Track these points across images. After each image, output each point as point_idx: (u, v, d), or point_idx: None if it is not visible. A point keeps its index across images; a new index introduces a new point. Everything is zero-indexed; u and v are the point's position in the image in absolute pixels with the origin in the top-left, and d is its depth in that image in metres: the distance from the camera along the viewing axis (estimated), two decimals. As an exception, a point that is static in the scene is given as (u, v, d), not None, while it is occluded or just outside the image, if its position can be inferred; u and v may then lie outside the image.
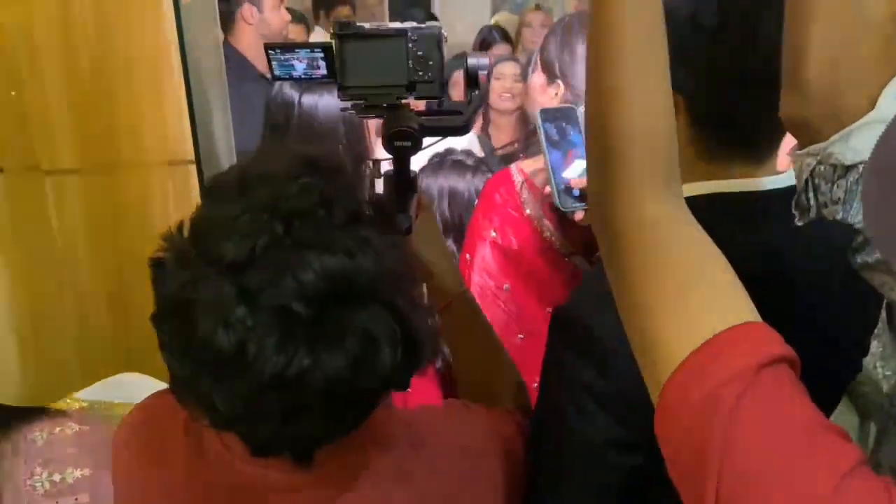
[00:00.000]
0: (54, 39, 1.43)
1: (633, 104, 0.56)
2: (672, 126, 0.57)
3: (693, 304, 0.49)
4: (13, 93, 1.48)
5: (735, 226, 0.65)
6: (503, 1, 7.72)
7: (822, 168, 0.57)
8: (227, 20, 2.15)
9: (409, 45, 0.82)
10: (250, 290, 0.51)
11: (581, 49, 1.16)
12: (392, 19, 7.23)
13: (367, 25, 0.83)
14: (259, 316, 0.51)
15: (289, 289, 0.51)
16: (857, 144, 0.55)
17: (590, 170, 0.59)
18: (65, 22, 1.42)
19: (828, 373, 0.57)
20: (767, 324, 0.48)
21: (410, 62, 0.82)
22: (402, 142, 0.80)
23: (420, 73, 0.82)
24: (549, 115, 1.04)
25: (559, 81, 1.16)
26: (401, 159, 0.84)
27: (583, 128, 1.00)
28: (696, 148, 0.71)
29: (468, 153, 1.61)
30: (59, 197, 1.53)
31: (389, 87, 0.82)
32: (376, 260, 0.54)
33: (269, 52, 0.86)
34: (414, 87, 0.82)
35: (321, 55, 0.84)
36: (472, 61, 0.85)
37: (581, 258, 1.16)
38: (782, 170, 0.74)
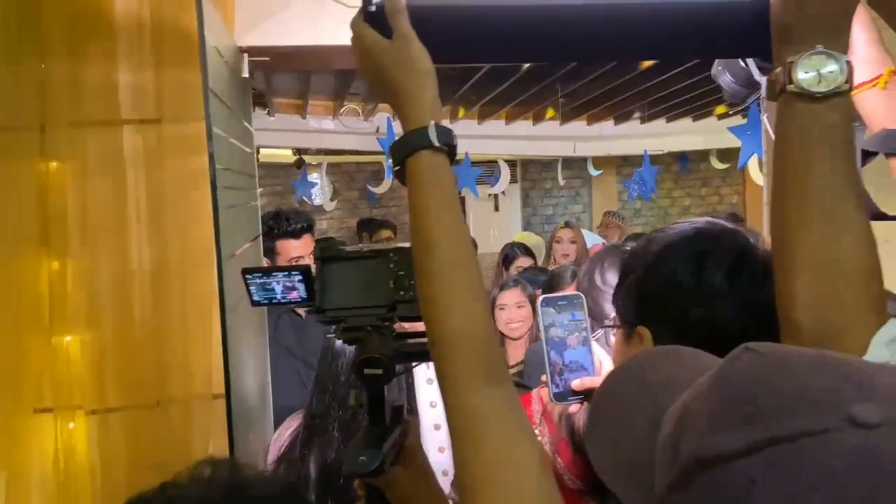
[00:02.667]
0: (113, 286, 1.54)
1: (449, 311, 0.64)
2: (487, 325, 0.65)
3: (501, 489, 0.57)
4: (68, 337, 1.58)
5: None
6: (533, 214, 8.15)
7: None
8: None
9: (391, 265, 0.81)
10: None
11: (610, 276, 1.21)
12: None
13: (348, 247, 0.85)
14: None
15: None
16: None
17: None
18: (124, 270, 1.54)
19: None
20: None
21: (392, 282, 0.81)
22: (373, 369, 0.77)
23: (402, 293, 0.80)
24: (550, 302, 1.02)
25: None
26: (372, 388, 0.80)
27: (585, 314, 1.01)
28: None
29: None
30: (101, 436, 1.56)
31: (370, 308, 0.81)
32: None
33: (247, 277, 0.86)
34: (395, 307, 0.81)
35: (299, 278, 0.84)
36: None
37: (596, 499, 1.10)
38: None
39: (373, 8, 0.74)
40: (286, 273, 0.85)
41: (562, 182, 6.95)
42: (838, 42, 0.66)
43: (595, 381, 1.01)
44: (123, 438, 1.58)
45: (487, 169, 6.14)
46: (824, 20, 0.66)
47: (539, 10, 0.76)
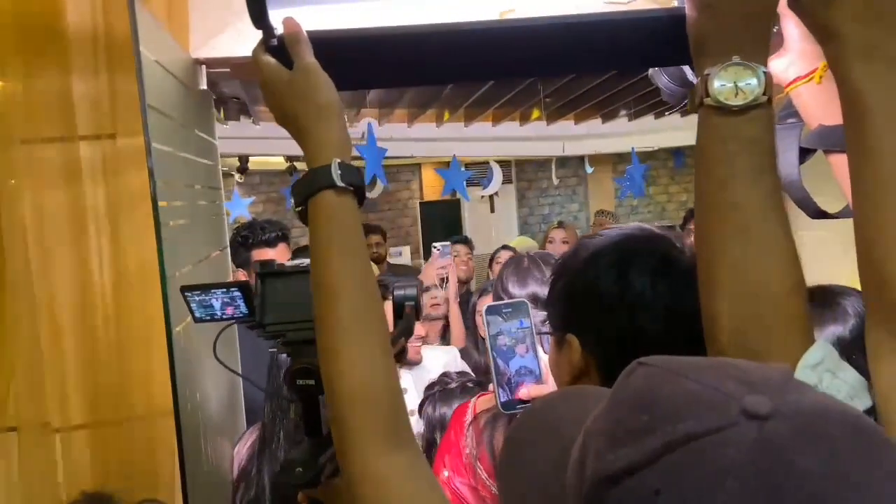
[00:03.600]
0: (72, 299, 1.54)
1: (351, 368, 0.60)
2: (392, 384, 0.61)
3: None
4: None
5: None
6: (530, 214, 8.13)
7: None
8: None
9: None
10: None
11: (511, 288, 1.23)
12: (426, 244, 7.60)
13: (287, 263, 0.85)
14: None
15: None
16: None
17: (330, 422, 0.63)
18: (84, 281, 1.54)
19: None
20: None
21: None
22: (306, 380, 0.76)
23: None
24: (495, 310, 1.00)
25: None
26: (306, 399, 0.80)
27: (531, 320, 1.00)
28: None
29: (462, 374, 1.62)
30: (66, 452, 1.55)
31: (310, 322, 0.79)
32: None
33: (186, 294, 0.86)
34: None
35: (238, 293, 0.84)
36: (398, 293, 0.85)
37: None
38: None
39: (274, 42, 0.71)
40: (225, 289, 0.85)
41: (556, 181, 6.94)
42: (756, 53, 0.62)
43: (542, 388, 0.99)
44: (89, 456, 1.57)
45: (479, 171, 6.11)
46: (741, 31, 0.62)
47: (444, 34, 0.75)
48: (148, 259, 1.56)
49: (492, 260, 3.50)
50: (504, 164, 6.61)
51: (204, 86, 1.66)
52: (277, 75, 0.69)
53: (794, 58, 0.84)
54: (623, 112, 4.18)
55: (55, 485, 1.55)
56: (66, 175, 1.53)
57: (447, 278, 2.90)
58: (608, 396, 0.45)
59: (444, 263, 2.89)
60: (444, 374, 1.58)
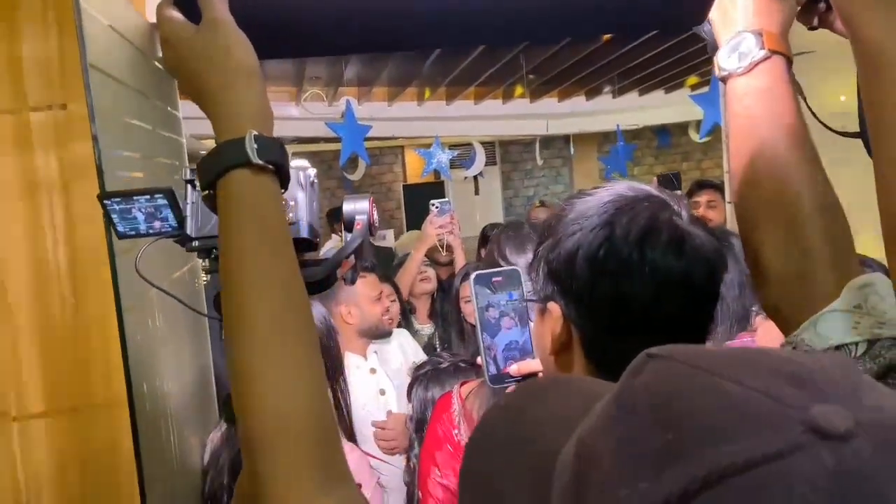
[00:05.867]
0: (25, 282, 1.45)
1: (270, 388, 0.49)
2: (321, 410, 0.51)
3: None
4: (-15, 340, 1.48)
5: None
6: (514, 196, 8.08)
7: None
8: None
9: None
10: None
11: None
12: (410, 226, 7.53)
13: None
14: None
15: None
16: (824, 331, 0.58)
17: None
18: (37, 263, 1.45)
19: None
20: None
21: None
22: None
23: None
24: (483, 279, 0.91)
25: None
26: None
27: (523, 292, 0.92)
28: None
29: (454, 354, 1.56)
30: (24, 442, 1.47)
31: None
32: None
33: (105, 203, 0.74)
34: None
35: (164, 202, 0.73)
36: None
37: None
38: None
39: None
40: (149, 196, 0.74)
41: (540, 162, 6.87)
42: (746, 24, 0.69)
43: (533, 364, 0.92)
44: (47, 445, 1.49)
45: (462, 152, 6.03)
46: (730, 21, 0.72)
47: None
48: (104, 235, 1.48)
49: (484, 238, 3.33)
50: (488, 145, 6.53)
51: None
52: (179, 31, 0.59)
53: None
54: (607, 88, 4.11)
55: (13, 475, 1.47)
56: (16, 147, 1.44)
57: (447, 243, 2.56)
58: (607, 396, 0.34)
59: (443, 222, 2.55)
60: (436, 354, 1.52)
